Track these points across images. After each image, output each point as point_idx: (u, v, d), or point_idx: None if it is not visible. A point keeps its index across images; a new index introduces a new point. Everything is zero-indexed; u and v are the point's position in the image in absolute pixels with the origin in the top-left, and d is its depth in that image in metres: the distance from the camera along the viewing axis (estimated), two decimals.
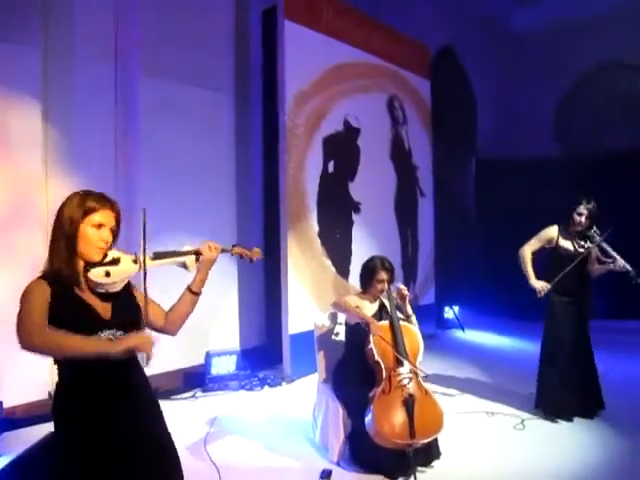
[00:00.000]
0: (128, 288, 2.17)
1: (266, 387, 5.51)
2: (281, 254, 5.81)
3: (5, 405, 4.12)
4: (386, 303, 3.94)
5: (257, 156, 6.45)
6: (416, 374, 3.69)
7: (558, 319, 4.51)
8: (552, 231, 4.60)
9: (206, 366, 5.41)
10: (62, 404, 2.07)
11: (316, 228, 6.27)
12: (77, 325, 1.94)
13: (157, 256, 2.18)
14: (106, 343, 1.95)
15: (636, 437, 4.14)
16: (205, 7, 5.72)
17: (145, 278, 2.08)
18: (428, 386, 3.69)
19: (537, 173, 8.96)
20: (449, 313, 8.84)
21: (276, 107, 5.94)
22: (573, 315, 4.52)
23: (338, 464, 3.68)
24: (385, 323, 3.80)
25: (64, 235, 2.03)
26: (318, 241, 6.28)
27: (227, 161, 5.97)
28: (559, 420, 4.40)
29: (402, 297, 3.92)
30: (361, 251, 6.74)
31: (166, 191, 5.26)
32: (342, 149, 6.73)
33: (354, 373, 3.80)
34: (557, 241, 4.57)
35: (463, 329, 8.49)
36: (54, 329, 1.90)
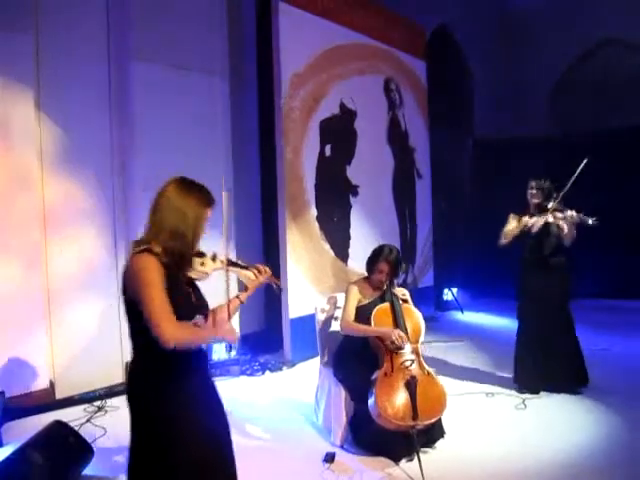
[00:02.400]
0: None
1: (267, 372, 5.52)
2: (279, 239, 5.79)
3: (6, 395, 4.12)
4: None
5: (253, 140, 6.41)
6: (418, 355, 3.69)
7: (531, 295, 4.63)
8: (511, 216, 4.72)
9: (207, 351, 5.40)
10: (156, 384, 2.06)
11: (314, 212, 6.24)
12: (182, 309, 2.04)
13: (230, 263, 2.37)
14: (213, 330, 2.23)
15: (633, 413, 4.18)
16: None
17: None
18: (430, 367, 3.70)
19: (535, 153, 8.91)
20: (448, 295, 8.86)
21: (271, 91, 5.89)
22: (545, 290, 4.58)
23: (341, 447, 3.69)
24: (386, 305, 3.79)
25: (190, 224, 2.09)
26: (316, 225, 6.26)
27: (223, 146, 5.91)
28: (529, 394, 4.55)
29: (404, 301, 3.90)
30: (359, 234, 6.74)
31: (162, 176, 5.18)
32: (339, 132, 6.68)
33: (356, 356, 3.80)
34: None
35: (462, 311, 8.51)
36: (180, 323, 2.01)
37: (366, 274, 3.99)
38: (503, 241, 4.65)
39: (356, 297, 3.91)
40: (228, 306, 2.32)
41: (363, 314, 3.81)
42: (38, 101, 4.54)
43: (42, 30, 4.56)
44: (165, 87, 5.27)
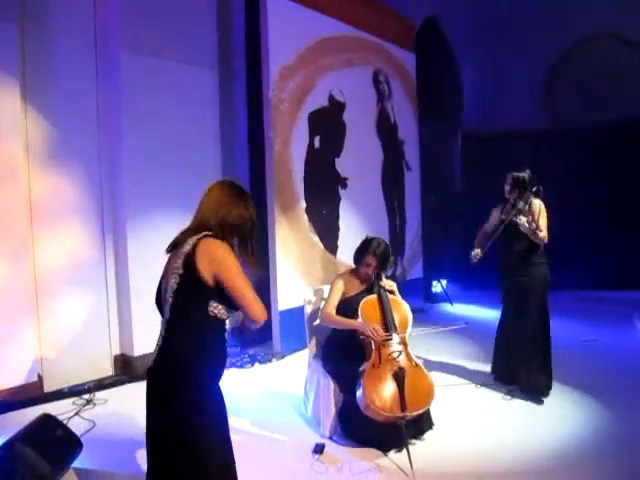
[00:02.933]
0: None
1: (256, 364, 5.53)
2: (269, 231, 5.79)
3: None
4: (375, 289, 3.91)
5: (242, 132, 6.38)
6: (406, 346, 3.70)
7: (504, 294, 4.73)
8: (494, 209, 4.79)
9: None
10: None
11: (303, 204, 6.23)
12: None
13: None
14: None
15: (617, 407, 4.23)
16: None
17: None
18: (417, 359, 3.72)
19: (523, 145, 8.96)
20: (437, 287, 8.90)
21: (260, 82, 5.86)
22: (513, 289, 4.57)
23: (331, 438, 3.71)
24: (373, 296, 3.81)
25: (244, 231, 2.28)
26: (305, 217, 6.26)
27: (212, 137, 5.89)
28: (507, 386, 4.54)
29: (391, 292, 3.91)
30: (348, 226, 6.75)
31: (150, 169, 5.19)
32: (328, 124, 6.67)
33: (344, 348, 3.81)
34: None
35: (451, 303, 8.55)
36: None
37: (354, 266, 4.00)
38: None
39: (340, 289, 3.93)
40: None
41: (350, 306, 3.83)
42: (24, 93, 4.49)
43: (28, 20, 4.51)
44: (153, 79, 5.22)
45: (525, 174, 4.51)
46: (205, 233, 2.20)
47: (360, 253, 3.92)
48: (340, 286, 3.94)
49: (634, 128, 8.86)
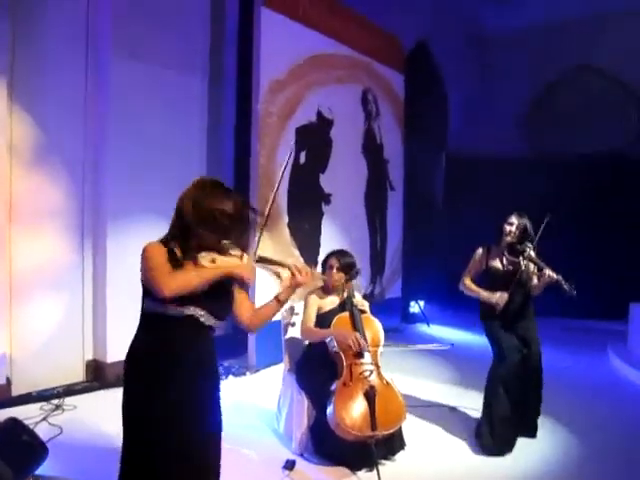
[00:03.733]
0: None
1: (230, 376, 5.47)
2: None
3: None
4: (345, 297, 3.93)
5: (229, 143, 6.38)
6: (377, 365, 3.70)
7: (505, 345, 4.02)
8: (479, 253, 4.23)
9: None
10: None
11: (286, 218, 6.23)
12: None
13: (260, 259, 2.35)
14: (212, 270, 2.14)
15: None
16: None
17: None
18: (389, 378, 3.70)
19: (506, 172, 9.09)
20: (415, 307, 8.92)
21: (249, 94, 5.87)
22: (516, 339, 4.07)
23: (302, 455, 3.68)
24: (345, 314, 3.81)
25: (192, 224, 2.17)
26: (287, 231, 6.25)
27: (198, 146, 5.88)
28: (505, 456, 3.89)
29: (362, 311, 3.90)
30: (330, 242, 6.73)
31: (135, 175, 5.16)
32: (314, 140, 6.70)
33: (318, 364, 3.80)
34: (486, 262, 4.18)
35: (428, 324, 8.57)
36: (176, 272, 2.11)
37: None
38: (463, 289, 4.26)
39: (315, 303, 3.96)
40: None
41: (323, 323, 3.84)
42: (11, 92, 4.44)
43: (19, 20, 4.48)
44: (142, 83, 5.21)
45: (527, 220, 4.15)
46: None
47: (325, 259, 4.02)
48: (314, 299, 3.97)
49: (616, 160, 9.03)
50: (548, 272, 3.86)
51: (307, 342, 4.01)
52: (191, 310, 2.14)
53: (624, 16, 9.02)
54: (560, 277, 3.84)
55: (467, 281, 4.24)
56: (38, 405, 4.41)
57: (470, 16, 9.81)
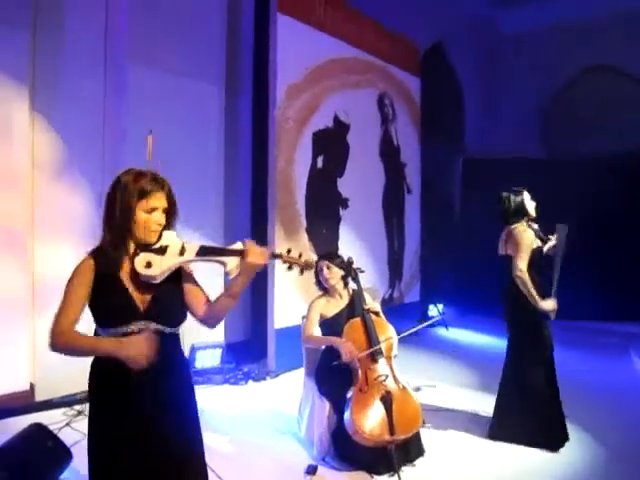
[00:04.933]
0: (177, 271, 2.13)
1: (250, 381, 5.48)
2: (268, 247, 5.77)
3: None
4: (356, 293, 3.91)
5: (246, 149, 6.41)
6: (392, 369, 3.68)
7: (547, 342, 3.93)
8: (530, 234, 3.93)
9: (190, 359, 5.36)
10: None
11: (304, 222, 6.24)
12: (111, 312, 2.01)
13: (202, 251, 2.10)
14: (112, 345, 1.97)
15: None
16: None
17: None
18: (404, 382, 3.68)
19: (522, 173, 8.98)
20: (433, 311, 8.87)
21: (266, 100, 5.90)
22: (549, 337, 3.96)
23: (323, 460, 3.66)
24: (357, 319, 3.78)
25: (118, 219, 2.03)
26: (306, 236, 6.26)
27: (216, 153, 5.92)
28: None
29: (375, 313, 3.87)
30: (348, 247, 6.74)
31: None
32: (332, 144, 6.71)
33: (336, 369, 3.78)
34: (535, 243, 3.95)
35: (447, 327, 8.52)
36: (78, 335, 1.99)
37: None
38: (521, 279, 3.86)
39: (318, 309, 3.94)
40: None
41: (332, 328, 3.82)
42: (32, 103, 4.50)
43: (40, 30, 4.54)
44: (160, 92, 5.26)
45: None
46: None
47: (315, 269, 3.92)
48: (316, 306, 3.95)
49: (631, 160, 8.93)
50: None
51: (324, 346, 3.99)
52: (142, 324, 2.01)
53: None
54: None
55: (525, 270, 3.84)
56: (61, 410, 4.44)
57: (485, 16, 9.78)
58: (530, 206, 4.01)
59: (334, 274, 3.89)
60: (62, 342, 1.97)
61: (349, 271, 3.91)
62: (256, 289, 6.23)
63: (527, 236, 3.89)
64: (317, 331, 3.95)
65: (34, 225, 4.54)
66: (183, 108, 5.48)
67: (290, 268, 2.27)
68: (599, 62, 9.48)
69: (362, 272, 4.02)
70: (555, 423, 3.97)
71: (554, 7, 9.35)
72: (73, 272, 2.03)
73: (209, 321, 2.18)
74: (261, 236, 5.92)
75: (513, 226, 3.98)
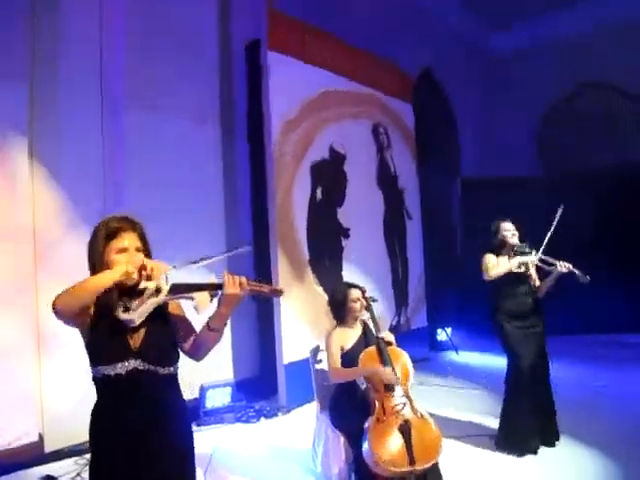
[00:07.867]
0: (164, 307, 2.12)
1: (262, 418, 5.41)
2: (272, 282, 5.76)
3: None
4: (368, 322, 3.90)
5: (245, 186, 6.44)
6: (409, 398, 3.62)
7: (518, 350, 4.25)
8: (492, 257, 4.39)
9: (201, 399, 5.30)
10: None
11: (306, 255, 6.24)
12: (106, 351, 2.02)
13: (172, 289, 2.02)
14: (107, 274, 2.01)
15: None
16: (189, 39, 5.76)
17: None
18: (423, 410, 3.62)
19: (521, 192, 9.04)
20: (442, 335, 8.80)
21: (262, 136, 5.95)
22: (529, 341, 4.26)
23: None
24: (372, 348, 3.73)
25: (96, 265, 2.08)
26: (309, 268, 6.25)
27: (215, 191, 5.95)
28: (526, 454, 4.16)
29: (388, 343, 3.83)
30: (352, 277, 6.70)
31: (155, 221, 5.17)
32: (329, 175, 6.74)
33: (351, 401, 3.73)
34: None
35: (457, 351, 8.44)
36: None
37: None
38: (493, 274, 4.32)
39: (338, 342, 3.85)
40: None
41: (349, 360, 3.75)
42: (32, 151, 4.54)
43: (38, 79, 4.61)
44: (157, 135, 5.32)
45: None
46: None
47: (341, 301, 3.90)
48: (336, 339, 3.87)
49: (630, 174, 8.96)
50: (563, 264, 4.11)
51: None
52: (135, 364, 2.01)
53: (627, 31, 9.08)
54: (572, 267, 4.10)
55: (492, 270, 4.32)
56: (71, 460, 4.38)
57: (473, 39, 9.93)
58: (507, 235, 4.37)
59: (361, 304, 3.86)
60: (61, 295, 2.00)
61: (368, 302, 3.90)
62: (263, 325, 6.20)
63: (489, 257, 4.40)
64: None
65: (37, 274, 4.53)
66: (178, 148, 5.53)
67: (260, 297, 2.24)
68: (593, 79, 9.59)
69: (375, 301, 4.00)
70: (521, 430, 4.18)
71: (545, 27, 9.52)
72: None
73: (195, 355, 2.17)
74: (265, 270, 5.91)
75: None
